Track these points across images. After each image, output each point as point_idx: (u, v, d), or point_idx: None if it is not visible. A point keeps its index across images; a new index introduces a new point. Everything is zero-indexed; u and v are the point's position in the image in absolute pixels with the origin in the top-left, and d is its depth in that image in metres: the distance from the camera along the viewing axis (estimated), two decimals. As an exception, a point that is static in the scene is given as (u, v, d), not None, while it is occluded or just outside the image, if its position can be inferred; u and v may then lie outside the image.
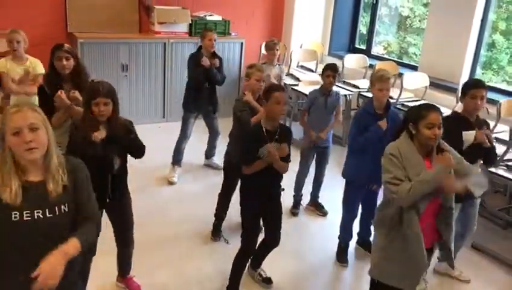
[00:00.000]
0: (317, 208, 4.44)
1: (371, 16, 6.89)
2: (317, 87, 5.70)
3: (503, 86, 5.58)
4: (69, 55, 3.23)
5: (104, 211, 2.80)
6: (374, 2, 6.78)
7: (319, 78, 6.10)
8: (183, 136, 4.80)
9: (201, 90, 4.63)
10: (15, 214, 1.75)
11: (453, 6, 5.37)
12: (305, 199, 4.47)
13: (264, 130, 2.94)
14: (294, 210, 4.38)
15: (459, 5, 5.32)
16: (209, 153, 5.11)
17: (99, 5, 5.83)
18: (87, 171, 1.99)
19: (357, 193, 3.65)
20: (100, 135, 2.64)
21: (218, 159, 4.91)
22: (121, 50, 5.80)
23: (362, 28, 7.20)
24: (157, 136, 5.66)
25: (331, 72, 4.05)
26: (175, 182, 4.73)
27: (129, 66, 5.88)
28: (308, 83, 5.82)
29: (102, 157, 2.66)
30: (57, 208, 1.82)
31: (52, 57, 3.25)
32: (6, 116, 1.76)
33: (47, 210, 1.80)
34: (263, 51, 6.77)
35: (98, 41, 5.68)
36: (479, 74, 5.60)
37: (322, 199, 4.47)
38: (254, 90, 3.63)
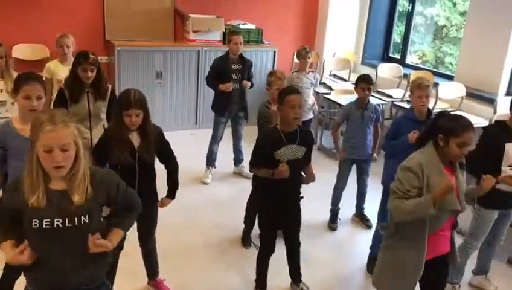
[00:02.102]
0: (362, 220, 4.33)
1: (405, 25, 6.80)
2: (350, 96, 5.70)
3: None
4: (94, 66, 3.31)
5: None
6: (409, 11, 6.69)
7: (351, 87, 6.08)
8: (214, 139, 4.86)
9: (229, 92, 4.64)
10: (35, 221, 1.79)
11: (491, 15, 5.24)
12: (343, 212, 4.36)
13: (282, 133, 2.88)
14: (332, 225, 4.26)
15: (497, 14, 5.19)
16: (237, 159, 5.10)
17: (135, 13, 5.98)
18: (116, 177, 2.03)
19: None
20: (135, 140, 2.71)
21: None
22: (155, 57, 5.92)
23: (396, 37, 7.11)
24: (189, 142, 5.74)
25: (365, 84, 3.95)
26: (207, 183, 4.83)
27: (163, 73, 5.99)
28: (341, 92, 5.78)
29: (133, 165, 2.71)
30: (76, 219, 1.83)
31: (77, 65, 3.32)
32: (39, 129, 1.75)
33: (66, 219, 1.82)
34: (296, 60, 6.80)
35: (134, 49, 5.82)
36: (518, 84, 5.44)
37: (366, 212, 4.37)
38: (275, 100, 3.59)
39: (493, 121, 4.60)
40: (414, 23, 6.81)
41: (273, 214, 3.06)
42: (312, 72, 5.06)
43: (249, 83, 4.71)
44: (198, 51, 6.08)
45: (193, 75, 6.15)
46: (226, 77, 4.61)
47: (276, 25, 6.76)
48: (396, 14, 7.00)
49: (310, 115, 4.97)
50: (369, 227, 4.25)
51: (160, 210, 3.01)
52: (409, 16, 6.71)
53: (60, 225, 1.81)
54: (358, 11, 7.07)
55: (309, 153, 3.02)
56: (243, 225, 3.91)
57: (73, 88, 3.36)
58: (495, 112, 4.83)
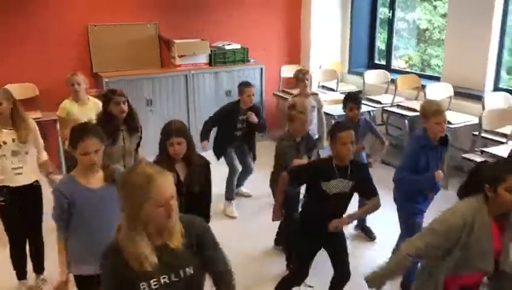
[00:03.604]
0: (365, 232, 4.24)
1: (388, 31, 6.90)
2: (340, 105, 5.73)
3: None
4: (125, 98, 3.32)
5: None
6: (390, 17, 6.78)
7: (341, 97, 6.11)
8: (232, 171, 4.73)
9: (232, 137, 4.60)
10: (143, 285, 1.71)
11: (471, 13, 5.32)
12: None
13: (335, 166, 2.84)
14: None
15: (477, 12, 5.28)
16: (238, 184, 4.98)
17: (121, 44, 6.03)
18: (204, 223, 1.93)
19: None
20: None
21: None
22: (144, 85, 5.96)
23: (381, 44, 7.20)
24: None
25: (353, 104, 3.88)
26: (236, 216, 4.68)
27: (153, 100, 6.02)
28: (331, 102, 5.83)
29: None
30: (181, 272, 1.77)
31: (108, 101, 3.32)
32: (148, 187, 1.67)
33: (172, 275, 1.75)
34: (283, 75, 6.87)
35: (122, 79, 5.84)
36: (504, 79, 5.50)
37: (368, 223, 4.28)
38: (298, 133, 3.56)
39: (482, 116, 4.65)
40: (396, 28, 6.90)
41: (315, 244, 3.02)
42: (314, 94, 4.96)
43: (255, 118, 4.55)
44: (186, 75, 6.13)
45: (183, 98, 6.19)
46: (232, 128, 4.58)
47: (261, 43, 6.83)
48: (378, 22, 7.09)
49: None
50: (373, 239, 4.16)
51: None
52: (391, 22, 6.80)
53: (167, 281, 1.74)
54: (340, 22, 7.15)
55: (362, 185, 2.93)
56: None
57: (108, 127, 3.21)
58: (484, 108, 4.87)
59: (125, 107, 3.31)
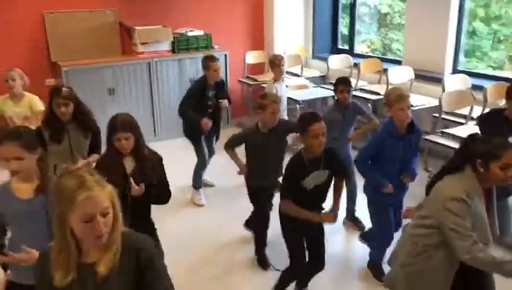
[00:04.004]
0: (354, 222, 4.19)
1: (350, 16, 6.95)
2: (305, 91, 5.77)
3: (489, 72, 5.64)
4: (68, 100, 3.12)
5: None
6: (352, 2, 6.83)
7: (306, 82, 6.16)
8: (202, 161, 4.66)
9: (205, 115, 4.43)
10: None
11: (430, -3, 5.42)
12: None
13: (306, 160, 2.78)
14: None
15: (435, -4, 5.38)
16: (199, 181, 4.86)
17: (80, 32, 5.85)
18: (152, 250, 1.70)
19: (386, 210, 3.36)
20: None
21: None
22: (105, 74, 5.81)
23: (343, 29, 7.25)
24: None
25: (344, 86, 3.82)
26: (203, 204, 4.63)
27: (116, 89, 5.89)
28: (296, 87, 5.85)
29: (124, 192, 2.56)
30: None
31: (50, 101, 3.14)
32: (72, 199, 1.48)
33: None
34: (247, 61, 6.83)
35: (82, 68, 5.69)
36: (462, 61, 5.65)
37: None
38: (268, 123, 3.39)
39: (442, 98, 4.76)
40: (358, 13, 6.96)
41: (301, 230, 2.97)
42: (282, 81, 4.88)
43: (227, 103, 4.54)
44: (149, 62, 6.02)
45: (146, 87, 6.08)
46: (203, 106, 4.42)
47: (224, 29, 6.76)
48: (341, 6, 7.13)
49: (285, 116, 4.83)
50: (363, 229, 4.08)
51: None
52: (353, 6, 6.86)
53: None
54: (303, 7, 7.16)
55: (337, 169, 2.91)
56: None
57: (52, 127, 3.15)
58: (444, 90, 4.99)
59: (67, 110, 3.11)
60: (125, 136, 2.61)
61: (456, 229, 2.10)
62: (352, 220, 4.22)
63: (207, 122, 4.35)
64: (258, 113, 3.40)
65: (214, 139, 4.80)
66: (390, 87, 5.46)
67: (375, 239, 3.53)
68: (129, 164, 2.68)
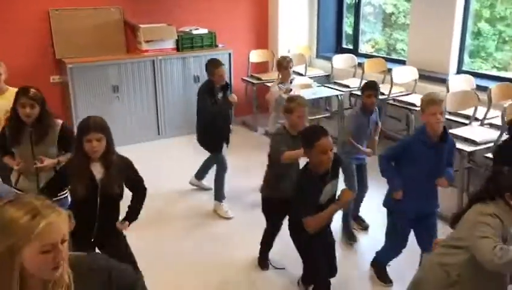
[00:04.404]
0: (358, 222, 4.19)
1: (354, 16, 6.94)
2: (309, 90, 5.76)
3: (493, 72, 5.62)
4: (34, 102, 2.92)
5: None
6: (357, 1, 6.82)
7: (310, 81, 6.16)
8: (224, 168, 4.44)
9: (217, 124, 4.33)
10: None
11: (435, -3, 5.41)
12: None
13: (316, 176, 2.68)
14: (351, 239, 3.98)
15: (440, -4, 5.37)
16: (201, 175, 4.82)
17: (85, 29, 5.87)
18: (130, 280, 1.57)
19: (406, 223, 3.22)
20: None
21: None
22: (110, 72, 5.83)
23: (348, 29, 7.24)
24: (152, 154, 5.67)
25: (372, 91, 3.74)
26: (232, 216, 4.37)
27: (120, 87, 5.90)
28: (300, 87, 5.84)
29: (93, 200, 2.52)
30: None
31: (16, 101, 2.95)
32: (27, 231, 1.29)
33: None
34: (251, 60, 6.83)
35: (87, 65, 5.70)
36: (467, 62, 5.63)
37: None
38: (295, 127, 3.30)
39: (446, 99, 4.75)
40: (363, 13, 6.95)
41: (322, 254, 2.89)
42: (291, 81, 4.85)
43: (235, 97, 4.39)
44: (153, 60, 6.03)
45: (150, 85, 6.09)
46: (213, 107, 4.26)
47: (228, 28, 6.77)
48: (345, 6, 7.13)
49: None
50: (366, 228, 4.10)
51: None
52: (357, 6, 6.85)
53: None
54: (307, 6, 7.16)
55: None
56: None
57: (14, 128, 3.00)
58: (448, 91, 4.98)
59: (30, 112, 2.91)
60: (97, 137, 2.47)
61: (484, 235, 2.06)
62: (356, 219, 4.21)
63: (234, 97, 4.29)
64: (286, 116, 3.37)
65: (225, 144, 4.55)
66: (394, 86, 5.46)
67: (387, 245, 3.43)
68: (97, 170, 2.55)
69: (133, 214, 2.77)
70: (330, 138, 2.66)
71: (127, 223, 2.75)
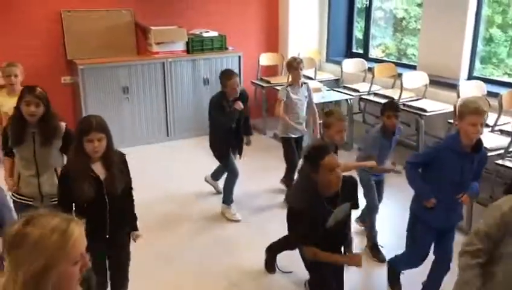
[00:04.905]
0: (373, 251, 3.82)
1: (365, 20, 6.93)
2: (318, 94, 5.73)
3: (505, 79, 5.58)
4: (40, 101, 2.86)
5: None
6: (367, 6, 6.81)
7: (319, 85, 6.15)
8: (234, 174, 4.38)
9: (229, 133, 4.29)
10: None
11: (447, 3, 5.38)
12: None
13: (324, 199, 2.54)
14: (378, 256, 3.73)
15: (452, 2, 5.34)
16: (217, 176, 4.78)
17: (96, 31, 5.91)
18: None
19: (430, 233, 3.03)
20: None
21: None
22: (120, 73, 5.86)
23: (358, 33, 7.23)
24: (161, 156, 5.69)
25: (392, 112, 3.49)
26: (240, 219, 4.32)
27: (130, 88, 5.93)
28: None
29: (101, 201, 2.50)
30: None
31: (21, 99, 2.88)
32: (61, 248, 1.32)
33: None
34: (261, 63, 6.84)
35: (98, 66, 5.74)
36: (478, 68, 5.60)
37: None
38: (333, 141, 3.27)
39: (457, 105, 4.72)
40: (374, 17, 6.94)
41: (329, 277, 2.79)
42: (304, 83, 4.65)
43: (241, 104, 4.20)
44: (163, 62, 6.05)
45: (160, 87, 6.11)
46: (225, 119, 4.19)
47: (239, 31, 6.78)
48: (356, 10, 7.12)
49: (306, 131, 4.66)
50: (383, 261, 3.64)
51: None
52: (368, 11, 6.84)
53: None
54: (318, 10, 7.16)
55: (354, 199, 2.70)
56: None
57: (16, 126, 2.93)
58: (458, 97, 4.95)
59: (35, 110, 2.85)
60: (98, 137, 2.43)
61: (480, 229, 2.02)
62: (372, 249, 3.85)
63: (238, 104, 4.17)
64: (324, 131, 3.33)
65: (237, 154, 4.48)
66: (404, 91, 5.43)
67: (406, 253, 3.24)
68: (99, 171, 2.51)
69: (134, 221, 2.78)
70: (335, 155, 2.59)
71: (137, 232, 2.77)
